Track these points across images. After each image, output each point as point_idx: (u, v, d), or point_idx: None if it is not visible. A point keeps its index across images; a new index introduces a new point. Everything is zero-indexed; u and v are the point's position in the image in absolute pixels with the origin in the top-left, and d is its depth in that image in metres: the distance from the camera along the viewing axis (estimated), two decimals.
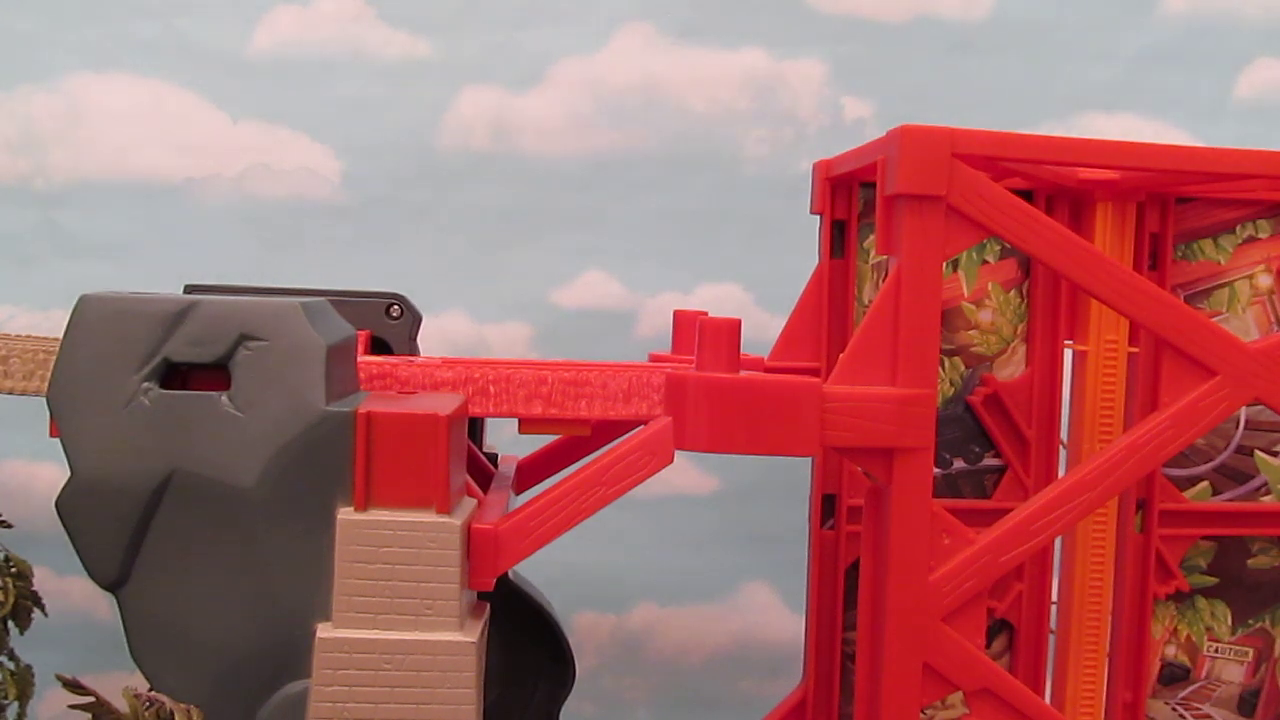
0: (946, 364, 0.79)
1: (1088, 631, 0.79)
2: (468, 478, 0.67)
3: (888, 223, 0.66)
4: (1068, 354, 0.80)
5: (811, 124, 1.10)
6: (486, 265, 1.09)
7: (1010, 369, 0.80)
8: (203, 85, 1.07)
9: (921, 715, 0.68)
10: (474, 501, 0.64)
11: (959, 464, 0.79)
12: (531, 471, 0.83)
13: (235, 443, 0.57)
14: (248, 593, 0.58)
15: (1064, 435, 0.80)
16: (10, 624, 0.77)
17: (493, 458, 0.85)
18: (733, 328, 0.64)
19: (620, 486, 0.62)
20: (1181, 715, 0.80)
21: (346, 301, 0.74)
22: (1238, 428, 0.79)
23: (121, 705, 0.59)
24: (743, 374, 0.63)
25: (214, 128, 1.07)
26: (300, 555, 0.58)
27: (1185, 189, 0.77)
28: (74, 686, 0.60)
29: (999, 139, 0.66)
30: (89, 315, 0.59)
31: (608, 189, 1.09)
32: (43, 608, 0.79)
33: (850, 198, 0.78)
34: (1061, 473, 0.78)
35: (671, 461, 0.63)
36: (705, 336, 0.64)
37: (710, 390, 0.62)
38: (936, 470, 0.75)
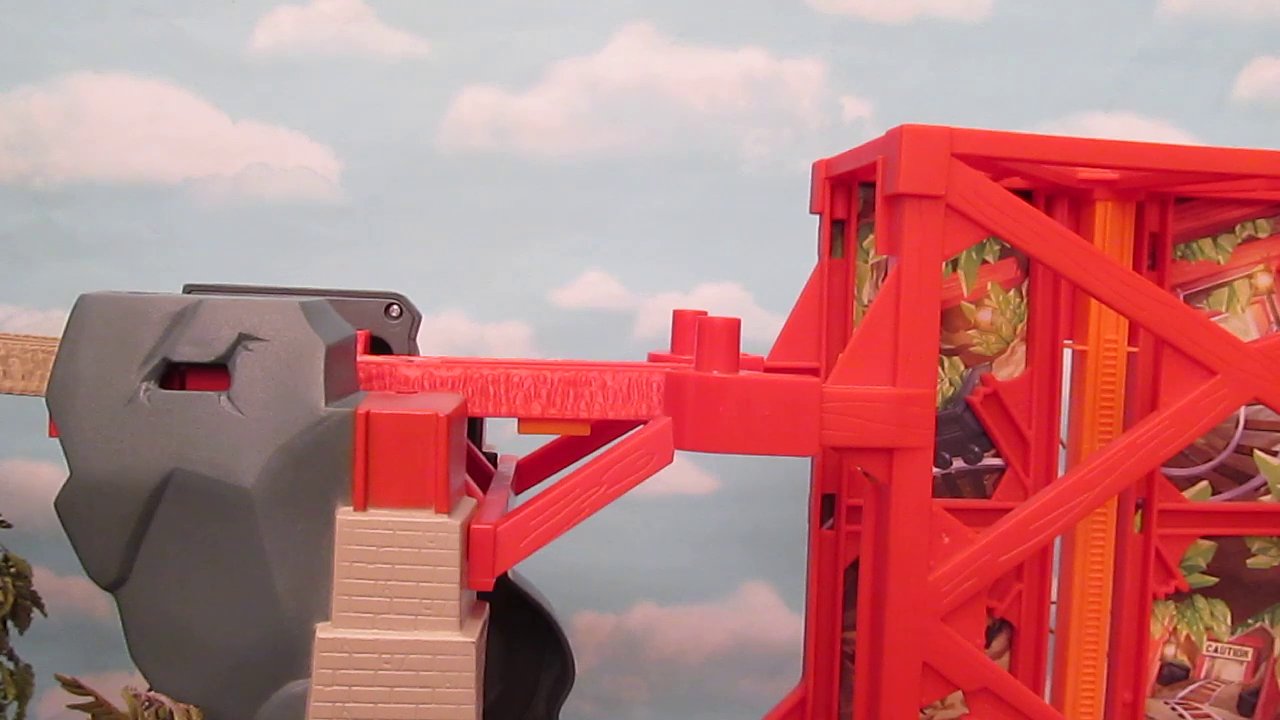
0: (946, 364, 0.79)
1: (1087, 631, 0.79)
2: (467, 478, 0.67)
3: (887, 222, 0.66)
4: (1067, 354, 0.80)
5: (811, 124, 1.10)
6: (486, 265, 1.09)
7: (1010, 369, 0.80)
8: (203, 85, 1.07)
9: (921, 715, 0.68)
10: (473, 501, 0.64)
11: (959, 464, 0.79)
12: (531, 471, 0.83)
13: (235, 442, 0.57)
14: (247, 592, 0.58)
15: (1064, 435, 0.80)
16: (10, 624, 0.77)
17: (492, 458, 0.85)
18: (732, 327, 0.64)
19: (620, 486, 0.62)
20: (1181, 715, 0.80)
21: (346, 301, 0.74)
22: (1237, 427, 0.79)
23: (121, 705, 0.59)
24: (742, 374, 0.63)
25: (214, 128, 1.07)
26: (300, 555, 0.58)
27: (1185, 189, 0.77)
28: (73, 686, 0.60)
29: (999, 139, 0.66)
30: (89, 315, 0.59)
31: (608, 189, 1.09)
32: (42, 608, 0.79)
33: (850, 197, 0.78)
34: (1061, 473, 0.78)
35: (671, 461, 0.63)
36: (705, 336, 0.64)
37: (710, 390, 0.62)
38: (936, 470, 0.75)
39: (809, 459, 0.79)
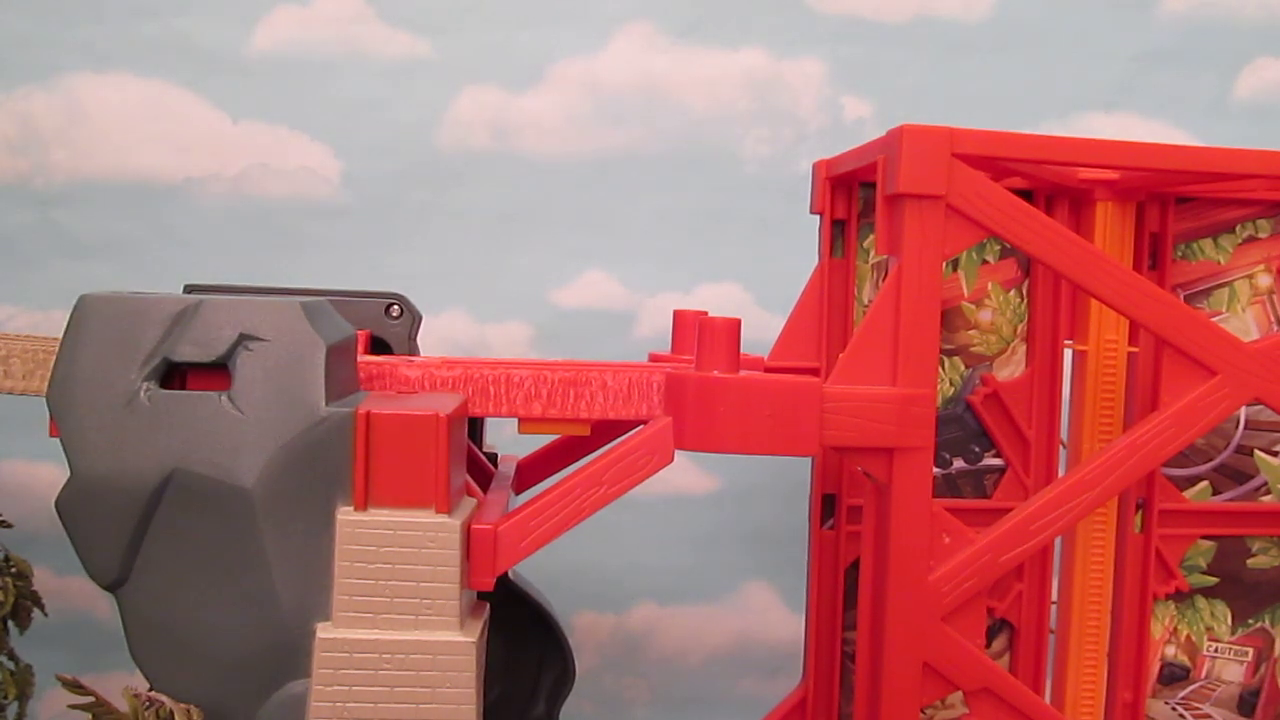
0: (946, 364, 0.79)
1: (1088, 631, 0.79)
2: (468, 478, 0.67)
3: (887, 222, 0.66)
4: (1068, 354, 0.80)
5: (811, 124, 1.10)
6: (486, 265, 1.09)
7: (1010, 369, 0.80)
8: (203, 85, 1.07)
9: (921, 715, 0.68)
10: (474, 501, 0.64)
11: (959, 464, 0.79)
12: (531, 471, 0.83)
13: (235, 442, 0.57)
14: (248, 592, 0.58)
15: (1064, 435, 0.80)
16: (10, 624, 0.77)
17: (493, 458, 0.85)
18: (733, 327, 0.64)
19: (620, 486, 0.62)
20: (1181, 715, 0.80)
21: (346, 301, 0.74)
22: (1238, 427, 0.79)
23: (121, 705, 0.59)
24: (742, 374, 0.63)
25: (214, 128, 1.07)
26: (300, 555, 0.58)
27: (1185, 189, 0.77)
28: (74, 686, 0.60)
29: (999, 139, 0.66)
30: (89, 315, 0.59)
31: (608, 189, 1.09)
32: (43, 608, 0.79)
33: (850, 197, 0.78)
34: (1061, 473, 0.78)
35: (671, 461, 0.63)
36: (705, 336, 0.64)
37: (710, 390, 0.62)
38: (936, 470, 0.75)
39: (809, 459, 0.79)
